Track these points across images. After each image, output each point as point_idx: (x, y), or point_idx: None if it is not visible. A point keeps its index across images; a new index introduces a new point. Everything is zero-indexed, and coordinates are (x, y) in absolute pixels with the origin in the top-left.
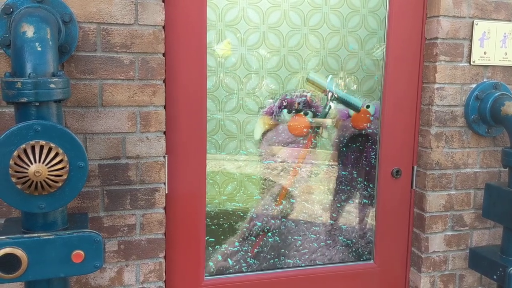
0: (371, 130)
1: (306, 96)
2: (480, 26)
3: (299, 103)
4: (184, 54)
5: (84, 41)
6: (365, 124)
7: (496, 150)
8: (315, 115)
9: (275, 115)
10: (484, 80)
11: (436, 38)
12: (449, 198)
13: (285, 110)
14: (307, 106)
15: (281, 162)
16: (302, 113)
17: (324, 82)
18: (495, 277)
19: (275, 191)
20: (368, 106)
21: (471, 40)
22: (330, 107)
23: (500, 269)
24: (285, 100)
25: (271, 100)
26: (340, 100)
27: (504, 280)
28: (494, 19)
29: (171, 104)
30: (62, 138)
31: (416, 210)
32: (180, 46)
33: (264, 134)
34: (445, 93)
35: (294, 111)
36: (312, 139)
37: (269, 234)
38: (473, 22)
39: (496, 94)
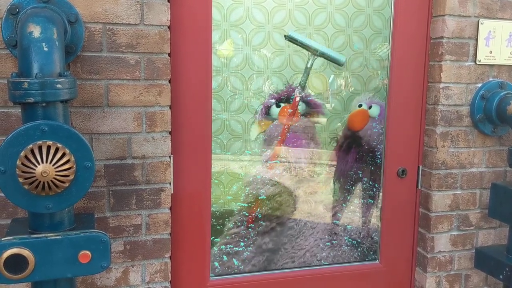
0: (370, 133)
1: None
2: (486, 26)
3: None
4: (190, 54)
5: (90, 41)
6: (362, 125)
7: (502, 150)
8: (307, 105)
9: (264, 115)
10: (490, 79)
11: (442, 37)
12: (455, 198)
13: (273, 106)
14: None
15: (285, 162)
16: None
17: (305, 38)
18: (501, 277)
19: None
20: (370, 107)
21: (476, 40)
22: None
23: (507, 268)
24: (271, 97)
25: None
26: (322, 55)
27: (510, 279)
28: (500, 18)
29: (177, 104)
30: (69, 138)
31: (421, 210)
32: (185, 46)
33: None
34: (451, 93)
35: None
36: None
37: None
38: (478, 21)
39: (502, 94)
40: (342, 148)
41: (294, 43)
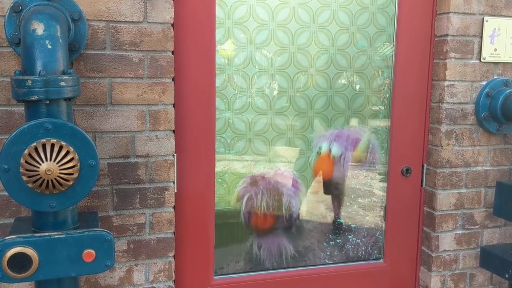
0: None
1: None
2: (490, 23)
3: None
4: (193, 52)
5: (93, 39)
6: (330, 174)
7: (507, 148)
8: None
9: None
10: (495, 77)
11: (446, 35)
12: (460, 197)
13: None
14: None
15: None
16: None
17: None
18: (506, 275)
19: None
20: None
21: (481, 37)
22: None
23: None
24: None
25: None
26: None
27: None
28: (505, 16)
29: (180, 103)
30: (73, 136)
31: (426, 208)
32: (189, 44)
33: None
34: (455, 91)
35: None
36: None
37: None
38: (483, 18)
39: (507, 91)
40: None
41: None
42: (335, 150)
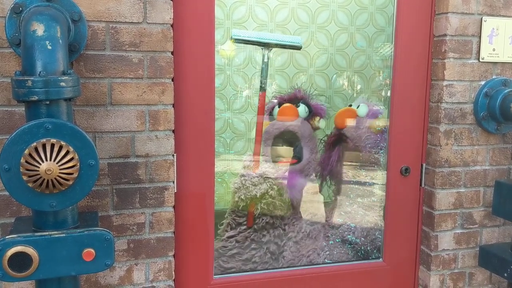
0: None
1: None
2: (489, 23)
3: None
4: (193, 53)
5: (93, 39)
6: (345, 123)
7: (506, 148)
8: (308, 107)
9: (268, 115)
10: (493, 77)
11: (445, 35)
12: (459, 196)
13: (275, 107)
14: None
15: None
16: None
17: (251, 34)
18: (505, 274)
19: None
20: (358, 106)
21: (479, 37)
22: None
23: (511, 266)
24: (276, 98)
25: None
26: (277, 45)
27: None
28: (503, 16)
29: (180, 103)
30: (73, 136)
31: (425, 208)
32: (188, 44)
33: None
34: (454, 90)
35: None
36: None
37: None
38: (481, 18)
39: (506, 91)
40: (328, 147)
41: (244, 42)
42: (362, 108)
